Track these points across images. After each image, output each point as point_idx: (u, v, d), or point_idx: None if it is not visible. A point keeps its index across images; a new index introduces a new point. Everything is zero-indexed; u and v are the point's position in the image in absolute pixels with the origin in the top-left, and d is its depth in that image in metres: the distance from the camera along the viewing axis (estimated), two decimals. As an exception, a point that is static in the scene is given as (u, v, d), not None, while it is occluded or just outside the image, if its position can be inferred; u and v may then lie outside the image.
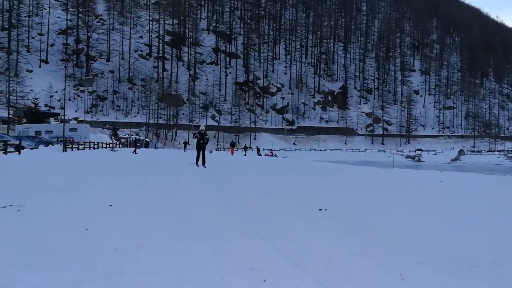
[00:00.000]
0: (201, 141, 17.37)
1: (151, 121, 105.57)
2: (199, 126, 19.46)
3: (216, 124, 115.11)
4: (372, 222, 5.98)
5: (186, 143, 60.41)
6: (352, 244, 4.52)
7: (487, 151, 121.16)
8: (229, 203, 7.26)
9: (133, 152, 35.31)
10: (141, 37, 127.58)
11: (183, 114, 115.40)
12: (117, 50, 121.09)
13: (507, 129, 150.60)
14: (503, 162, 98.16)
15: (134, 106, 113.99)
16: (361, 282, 3.25)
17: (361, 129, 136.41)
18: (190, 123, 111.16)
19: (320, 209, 6.90)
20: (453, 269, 3.76)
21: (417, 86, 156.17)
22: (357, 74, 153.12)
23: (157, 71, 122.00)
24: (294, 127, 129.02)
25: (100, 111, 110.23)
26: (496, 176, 18.55)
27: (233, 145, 52.42)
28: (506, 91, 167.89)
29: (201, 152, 17.46)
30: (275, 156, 59.67)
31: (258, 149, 67.19)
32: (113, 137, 70.23)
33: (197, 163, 17.40)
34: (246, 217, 5.93)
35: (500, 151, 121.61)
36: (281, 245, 4.41)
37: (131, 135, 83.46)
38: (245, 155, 49.29)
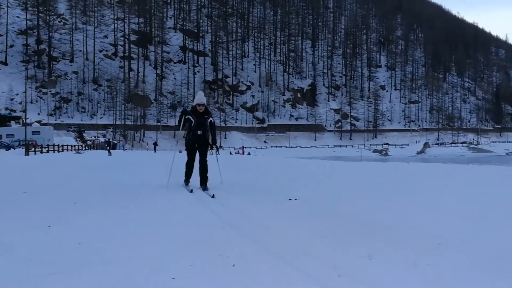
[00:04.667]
0: (199, 131, 8.31)
1: (118, 122, 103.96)
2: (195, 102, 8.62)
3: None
4: (340, 209, 6.02)
5: (155, 144, 59.82)
6: (321, 229, 4.53)
7: (451, 143, 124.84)
8: (198, 196, 7.18)
9: (108, 155, 34.31)
10: (105, 36, 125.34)
11: (151, 114, 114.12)
12: (80, 50, 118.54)
13: (469, 121, 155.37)
14: (466, 153, 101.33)
15: (100, 107, 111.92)
16: (330, 263, 3.25)
17: (330, 126, 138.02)
18: (158, 123, 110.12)
19: (290, 199, 6.91)
20: (419, 247, 3.81)
21: (383, 81, 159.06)
22: (325, 71, 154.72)
23: (123, 71, 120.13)
24: (265, 125, 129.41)
25: (65, 113, 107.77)
26: (459, 165, 19.04)
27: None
28: (468, 84, 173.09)
29: (197, 157, 8.54)
30: (248, 154, 59.77)
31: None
32: (78, 140, 68.71)
33: (187, 180, 8.58)
34: (216, 209, 5.87)
35: (462, 142, 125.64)
36: (250, 232, 4.38)
37: (98, 137, 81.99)
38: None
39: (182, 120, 8.48)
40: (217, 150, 8.91)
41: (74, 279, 2.86)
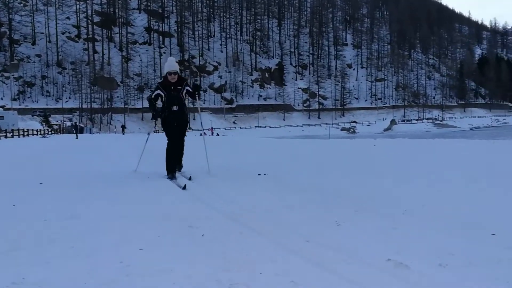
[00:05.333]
0: (174, 107, 6.75)
1: (84, 106, 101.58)
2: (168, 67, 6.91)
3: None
4: (308, 182, 6.09)
5: (123, 127, 59.01)
6: (290, 201, 4.57)
7: (417, 120, 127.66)
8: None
9: (75, 138, 33.36)
10: (68, 18, 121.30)
11: (118, 97, 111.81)
12: (42, 33, 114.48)
13: (434, 98, 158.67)
14: (431, 129, 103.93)
15: (65, 91, 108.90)
16: (300, 231, 3.28)
17: (298, 105, 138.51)
18: (126, 106, 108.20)
19: (259, 174, 6.94)
20: (386, 213, 3.90)
21: (350, 60, 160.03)
22: (292, 50, 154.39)
23: (88, 53, 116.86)
24: (233, 105, 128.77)
25: (29, 97, 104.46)
26: (424, 140, 19.49)
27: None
28: (432, 61, 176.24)
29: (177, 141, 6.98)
30: (217, 134, 59.66)
31: None
32: (44, 124, 66.92)
33: (173, 173, 6.66)
34: (186, 186, 5.83)
35: (428, 119, 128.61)
36: (219, 205, 4.38)
37: (64, 121, 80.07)
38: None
39: (152, 98, 6.86)
40: (198, 96, 6.95)
41: (39, 253, 2.80)
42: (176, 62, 7.13)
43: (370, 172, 7.11)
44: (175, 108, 6.71)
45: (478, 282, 2.15)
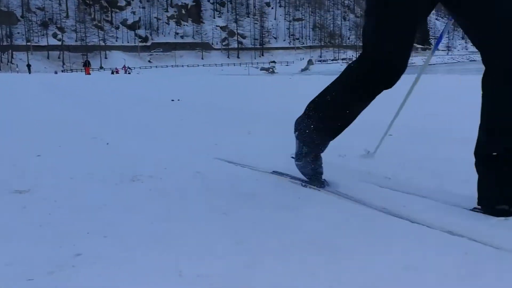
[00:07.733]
0: None
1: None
2: None
3: (59, 43, 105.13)
4: (224, 105, 6.12)
5: (29, 66, 55.63)
6: (203, 118, 4.56)
7: (332, 60, 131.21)
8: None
9: None
10: None
11: (18, 33, 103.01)
12: None
13: (349, 38, 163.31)
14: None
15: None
16: (208, 138, 3.27)
17: (217, 44, 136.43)
18: (28, 43, 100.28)
19: (172, 100, 6.88)
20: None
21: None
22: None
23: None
24: (148, 43, 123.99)
25: None
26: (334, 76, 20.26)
27: (87, 64, 48.83)
28: (347, 2, 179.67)
29: None
30: (129, 73, 57.73)
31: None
32: None
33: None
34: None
35: (343, 59, 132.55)
36: (126, 121, 4.27)
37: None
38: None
39: None
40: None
41: None
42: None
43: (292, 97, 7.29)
44: None
45: (376, 166, 2.27)
